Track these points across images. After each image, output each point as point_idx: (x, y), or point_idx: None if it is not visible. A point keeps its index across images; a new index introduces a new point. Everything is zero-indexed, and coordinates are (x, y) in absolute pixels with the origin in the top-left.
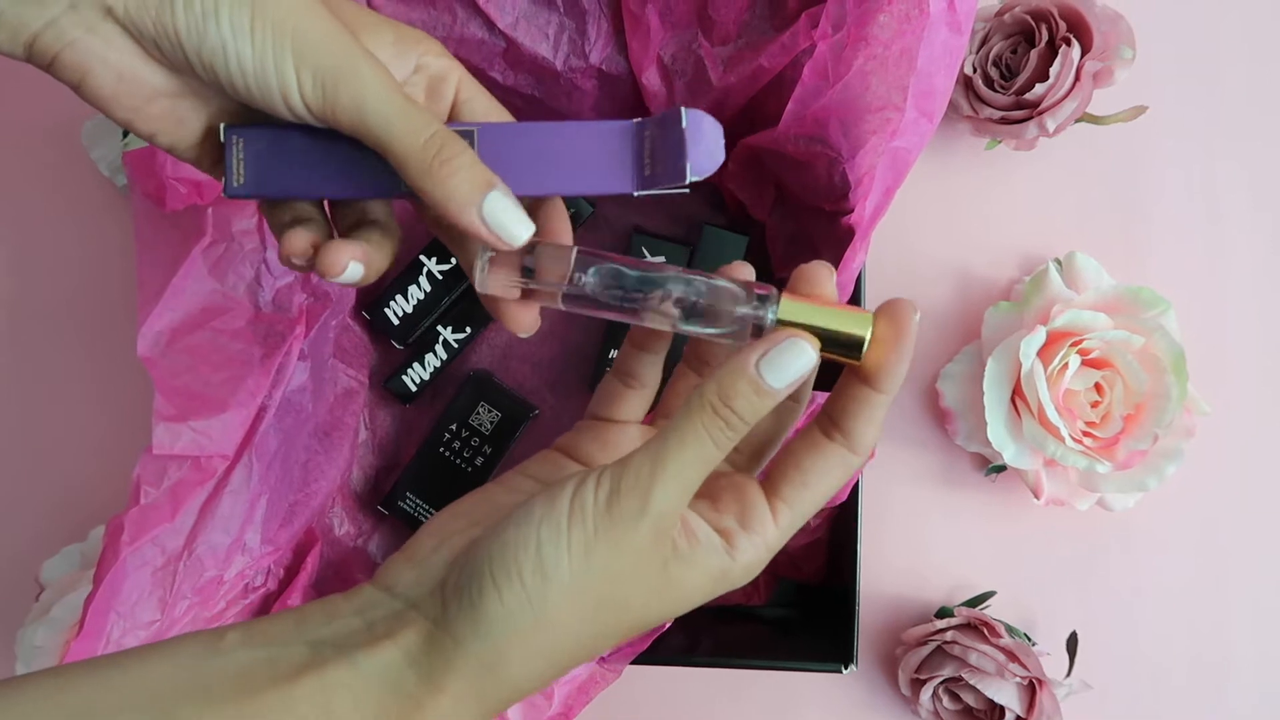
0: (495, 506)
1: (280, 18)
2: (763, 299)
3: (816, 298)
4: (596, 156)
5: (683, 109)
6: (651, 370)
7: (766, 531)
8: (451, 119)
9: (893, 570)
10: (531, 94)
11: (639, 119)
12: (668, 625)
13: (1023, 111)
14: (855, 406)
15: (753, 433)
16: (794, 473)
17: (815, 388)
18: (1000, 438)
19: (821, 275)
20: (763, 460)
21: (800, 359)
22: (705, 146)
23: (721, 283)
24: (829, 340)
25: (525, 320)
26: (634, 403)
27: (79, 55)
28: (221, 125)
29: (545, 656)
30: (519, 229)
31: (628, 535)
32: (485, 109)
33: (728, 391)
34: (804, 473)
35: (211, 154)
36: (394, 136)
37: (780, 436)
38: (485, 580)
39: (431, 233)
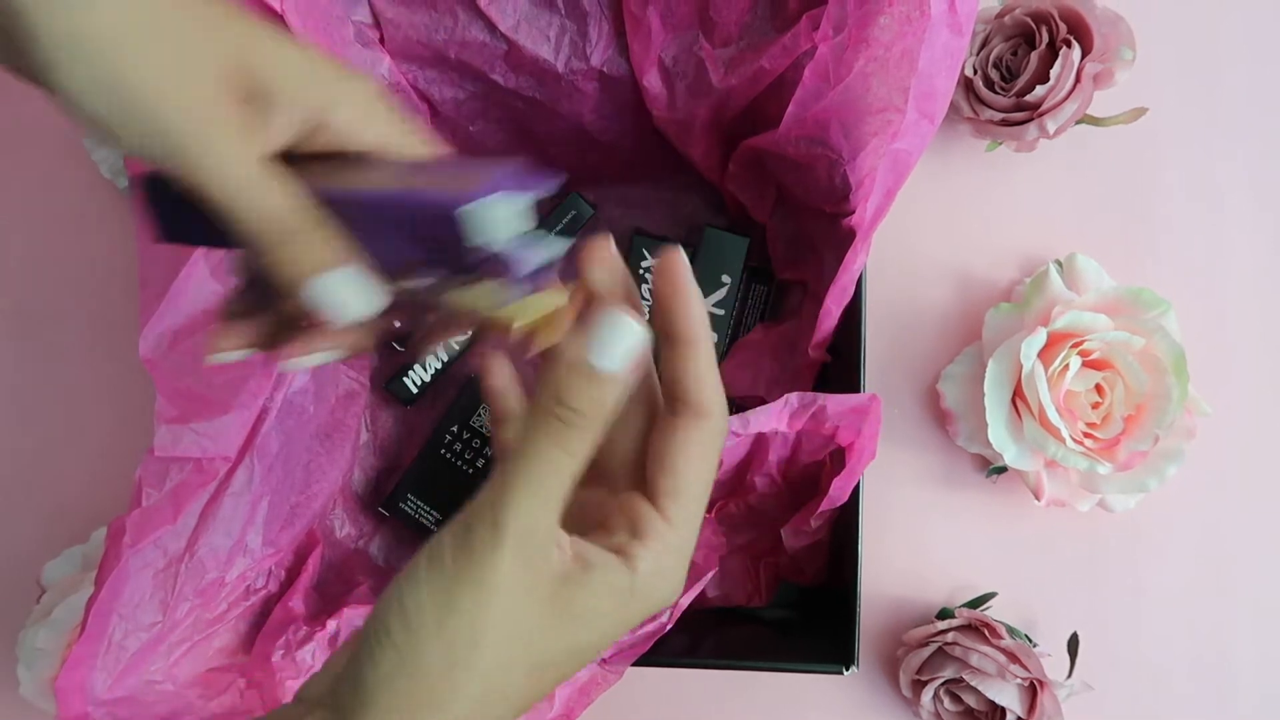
0: None
1: (131, 81)
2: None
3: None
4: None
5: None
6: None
7: (659, 532)
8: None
9: (894, 571)
10: (533, 96)
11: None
12: (667, 626)
13: (1023, 113)
14: (673, 370)
15: (626, 448)
16: (658, 463)
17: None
18: (1001, 439)
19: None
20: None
21: (626, 332)
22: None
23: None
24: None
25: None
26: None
27: None
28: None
29: (447, 713)
30: (360, 302)
31: (487, 567)
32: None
33: (563, 390)
34: (667, 458)
35: None
36: (232, 214)
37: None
38: (362, 651)
39: None
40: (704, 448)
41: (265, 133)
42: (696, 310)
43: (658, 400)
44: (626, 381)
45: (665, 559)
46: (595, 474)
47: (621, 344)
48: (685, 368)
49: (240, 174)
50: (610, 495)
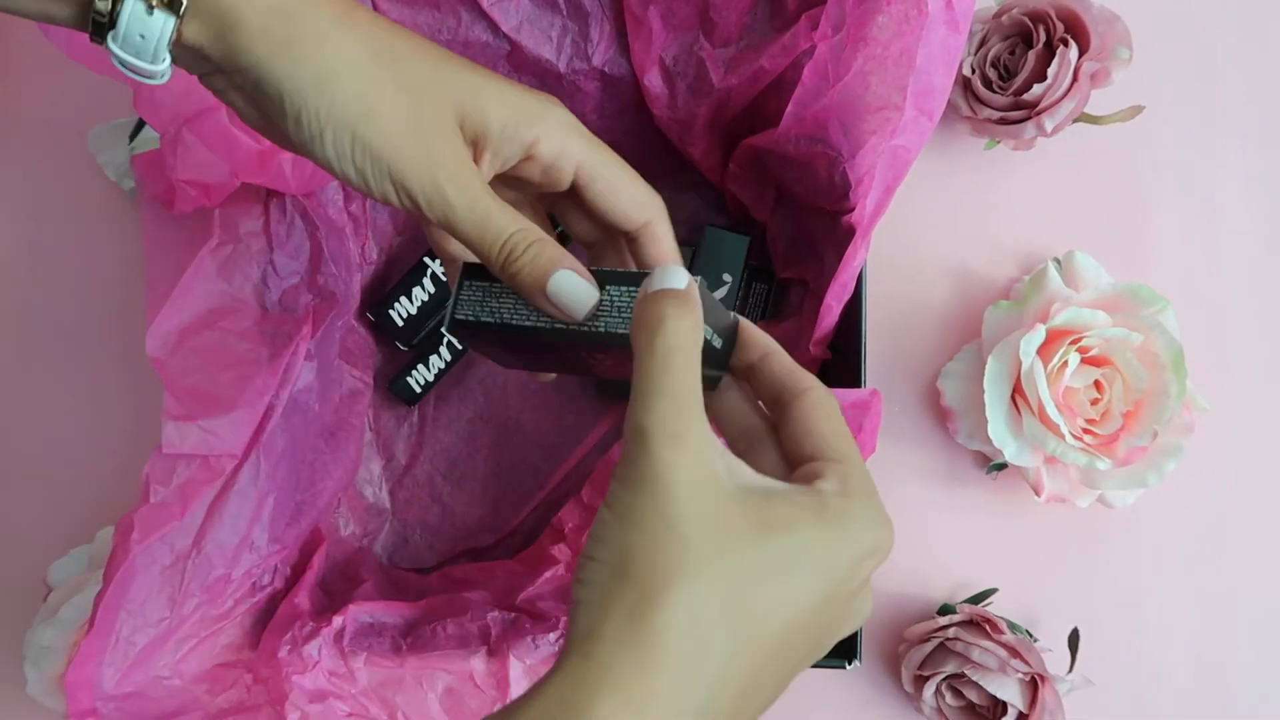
0: None
1: (378, 146)
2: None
3: None
4: None
5: None
6: None
7: (832, 471)
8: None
9: (895, 568)
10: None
11: None
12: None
13: (1021, 112)
14: (769, 376)
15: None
16: (806, 438)
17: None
18: (1001, 435)
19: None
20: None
21: (672, 268)
22: None
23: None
24: None
25: None
26: None
27: (230, 100)
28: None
29: (668, 596)
30: (586, 296)
31: (646, 463)
32: (607, 188)
33: (647, 319)
34: (811, 430)
35: None
36: (475, 243)
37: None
38: (575, 586)
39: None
40: (824, 409)
41: (487, 167)
42: (753, 331)
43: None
44: (691, 298)
45: (850, 489)
46: None
47: (674, 272)
48: (774, 368)
49: (478, 214)
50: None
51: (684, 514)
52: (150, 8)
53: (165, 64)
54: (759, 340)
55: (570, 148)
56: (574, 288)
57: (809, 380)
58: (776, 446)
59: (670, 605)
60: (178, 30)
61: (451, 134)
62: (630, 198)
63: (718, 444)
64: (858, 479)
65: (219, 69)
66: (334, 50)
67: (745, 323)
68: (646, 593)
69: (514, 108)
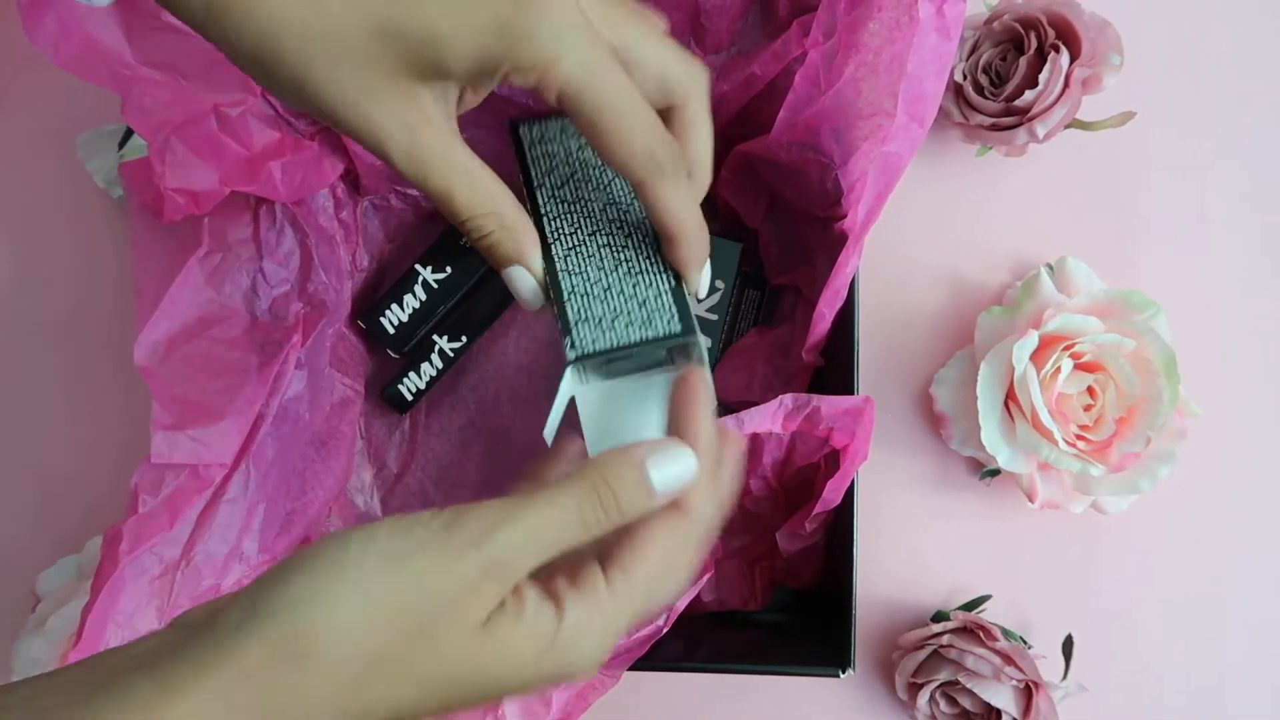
0: None
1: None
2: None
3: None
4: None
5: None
6: None
7: (596, 591)
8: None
9: (889, 575)
10: (526, 102)
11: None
12: (663, 630)
13: (1013, 118)
14: None
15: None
16: (625, 538)
17: None
18: (994, 442)
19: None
20: None
21: (683, 467)
22: None
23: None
24: None
25: None
26: None
27: None
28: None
29: (322, 673)
30: (527, 302)
31: (455, 560)
32: (605, 131)
33: (614, 473)
34: (635, 538)
35: None
36: (454, 214)
37: None
38: (272, 573)
39: None
40: (676, 543)
41: (448, 110)
42: (706, 427)
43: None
44: (656, 505)
45: (591, 621)
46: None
47: (675, 473)
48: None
49: (437, 182)
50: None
51: (416, 611)
52: None
53: None
54: (699, 441)
55: (552, 78)
56: (523, 285)
57: (695, 506)
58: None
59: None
60: None
61: (404, 79)
62: (630, 146)
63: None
64: (609, 618)
65: None
66: None
67: (701, 417)
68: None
69: (478, 38)
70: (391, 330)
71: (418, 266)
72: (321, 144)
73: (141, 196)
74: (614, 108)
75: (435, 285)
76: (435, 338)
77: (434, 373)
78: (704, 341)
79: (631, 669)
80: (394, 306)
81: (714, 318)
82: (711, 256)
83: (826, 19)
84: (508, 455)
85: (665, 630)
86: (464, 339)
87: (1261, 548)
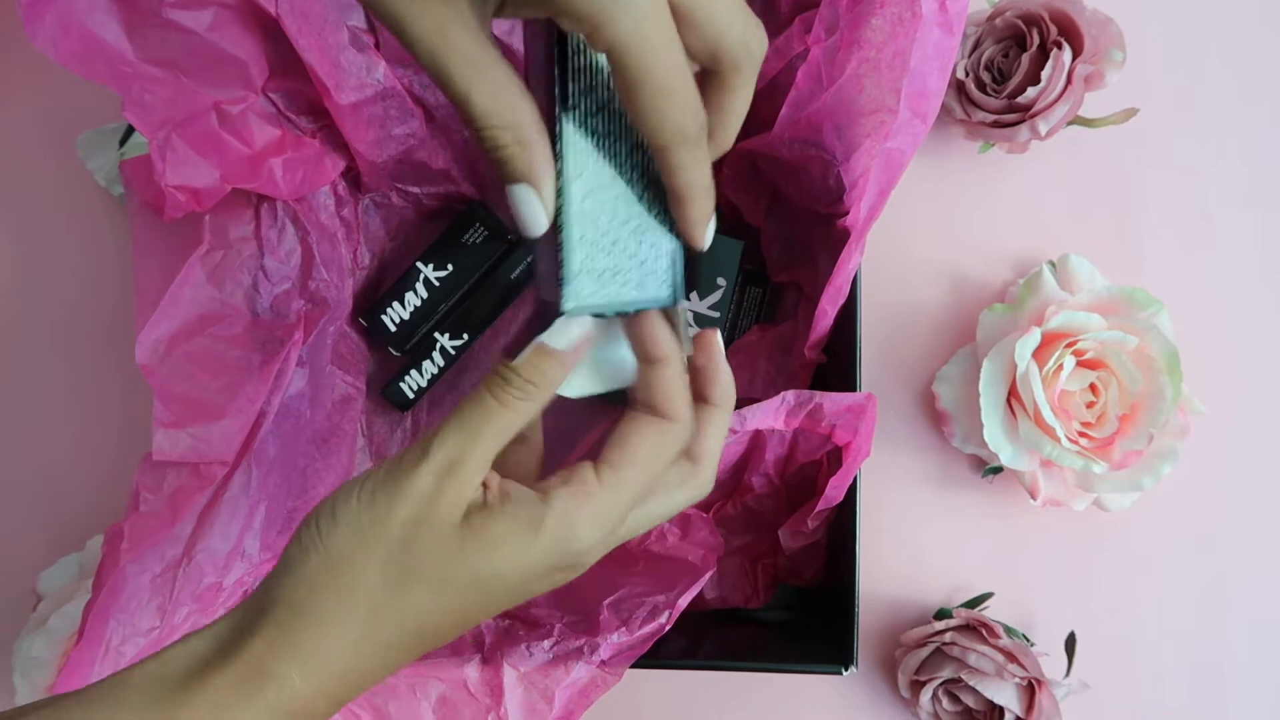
0: None
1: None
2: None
3: None
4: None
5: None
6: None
7: (586, 483)
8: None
9: (891, 572)
10: None
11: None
12: (665, 628)
13: (1015, 115)
14: (648, 385)
15: None
16: (612, 439)
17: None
18: (996, 439)
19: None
20: None
21: (576, 321)
22: None
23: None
24: None
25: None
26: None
27: None
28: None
29: (347, 600)
30: (526, 226)
31: (408, 478)
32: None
33: (517, 361)
34: (621, 438)
35: None
36: (470, 119)
37: None
38: (291, 544)
39: None
40: (657, 443)
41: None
42: (725, 380)
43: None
44: (564, 360)
45: (582, 508)
46: None
47: (572, 329)
48: (655, 379)
49: (460, 85)
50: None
51: (403, 536)
52: None
53: None
54: (659, 340)
55: (603, 36)
56: (527, 208)
57: (677, 413)
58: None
59: (354, 606)
60: None
61: None
62: (661, 119)
63: (478, 485)
64: (601, 504)
65: None
66: None
67: (720, 371)
68: (338, 587)
69: None
70: (393, 328)
71: (419, 264)
72: (322, 141)
73: (142, 194)
74: (658, 84)
75: (436, 283)
76: (437, 335)
77: (435, 370)
78: (684, 306)
79: (634, 666)
80: (395, 304)
81: (716, 315)
82: (714, 254)
83: (829, 15)
84: (508, 451)
85: (668, 628)
86: (465, 337)
87: (1264, 545)
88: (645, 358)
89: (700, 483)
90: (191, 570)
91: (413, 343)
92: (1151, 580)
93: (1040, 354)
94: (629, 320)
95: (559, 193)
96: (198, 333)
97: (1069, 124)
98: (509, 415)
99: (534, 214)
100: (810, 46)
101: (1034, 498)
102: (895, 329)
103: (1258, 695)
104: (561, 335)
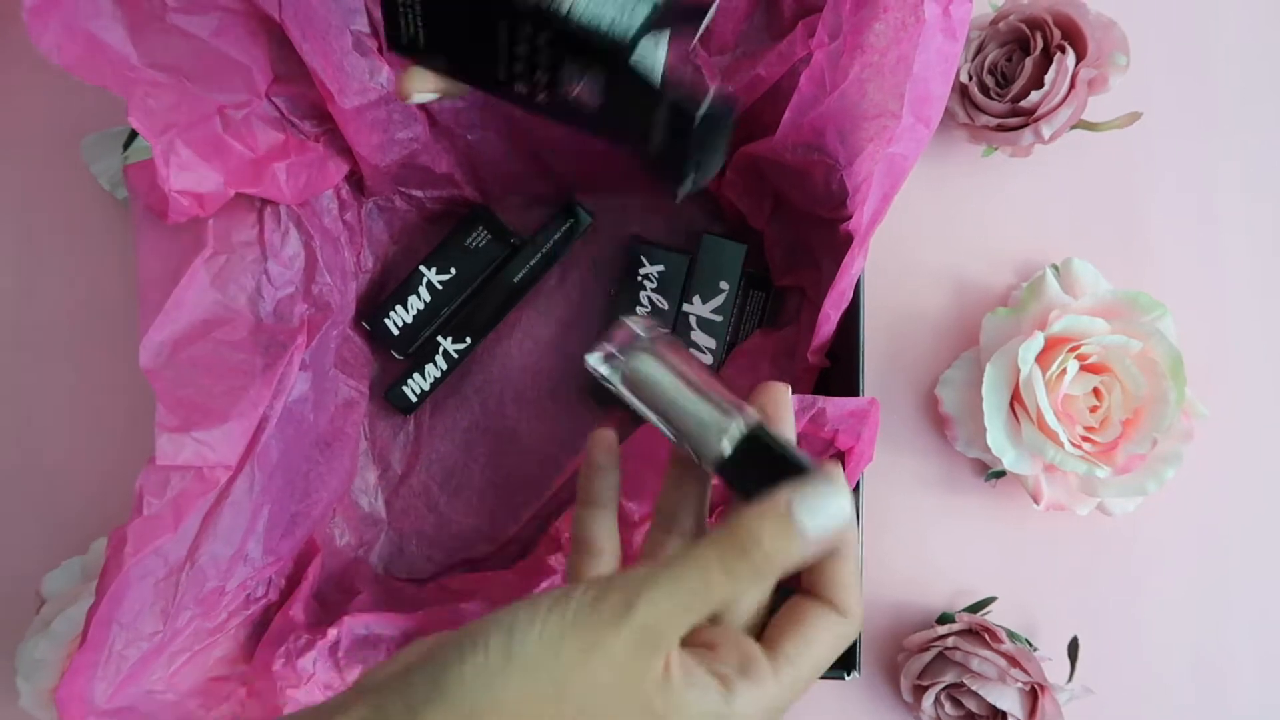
0: None
1: None
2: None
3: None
4: None
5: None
6: (608, 533)
7: (765, 680)
8: None
9: (894, 577)
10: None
11: None
12: None
13: (1018, 119)
14: (826, 571)
15: (750, 607)
16: (789, 629)
17: None
18: (999, 443)
19: (783, 398)
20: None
21: (834, 505)
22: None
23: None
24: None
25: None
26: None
27: None
28: None
29: None
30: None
31: (604, 636)
32: None
33: (754, 527)
34: (800, 630)
35: None
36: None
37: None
38: (450, 651)
39: None
40: (833, 640)
41: None
42: (849, 528)
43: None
44: (811, 551)
45: (761, 705)
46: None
47: (830, 516)
48: (840, 572)
49: None
50: (722, 630)
51: (582, 700)
52: None
53: None
54: (848, 539)
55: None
56: (822, 511)
57: (854, 610)
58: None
59: None
60: None
61: None
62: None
63: (672, 652)
64: (777, 705)
65: None
66: None
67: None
68: None
69: None
70: (396, 332)
71: (422, 268)
72: (326, 146)
73: (146, 199)
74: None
75: (439, 287)
76: (439, 339)
77: (438, 374)
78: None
79: None
80: (398, 308)
81: (719, 319)
82: (717, 258)
83: (832, 20)
84: (512, 456)
85: None
86: (468, 340)
87: (1268, 549)
88: (828, 551)
89: (853, 633)
90: (194, 574)
91: (416, 346)
92: (1155, 585)
93: (1043, 358)
94: (811, 504)
95: None
96: (201, 337)
97: (1072, 128)
98: (730, 591)
99: None
100: (813, 51)
101: (1037, 502)
102: (898, 333)
103: (1261, 700)
104: (818, 515)
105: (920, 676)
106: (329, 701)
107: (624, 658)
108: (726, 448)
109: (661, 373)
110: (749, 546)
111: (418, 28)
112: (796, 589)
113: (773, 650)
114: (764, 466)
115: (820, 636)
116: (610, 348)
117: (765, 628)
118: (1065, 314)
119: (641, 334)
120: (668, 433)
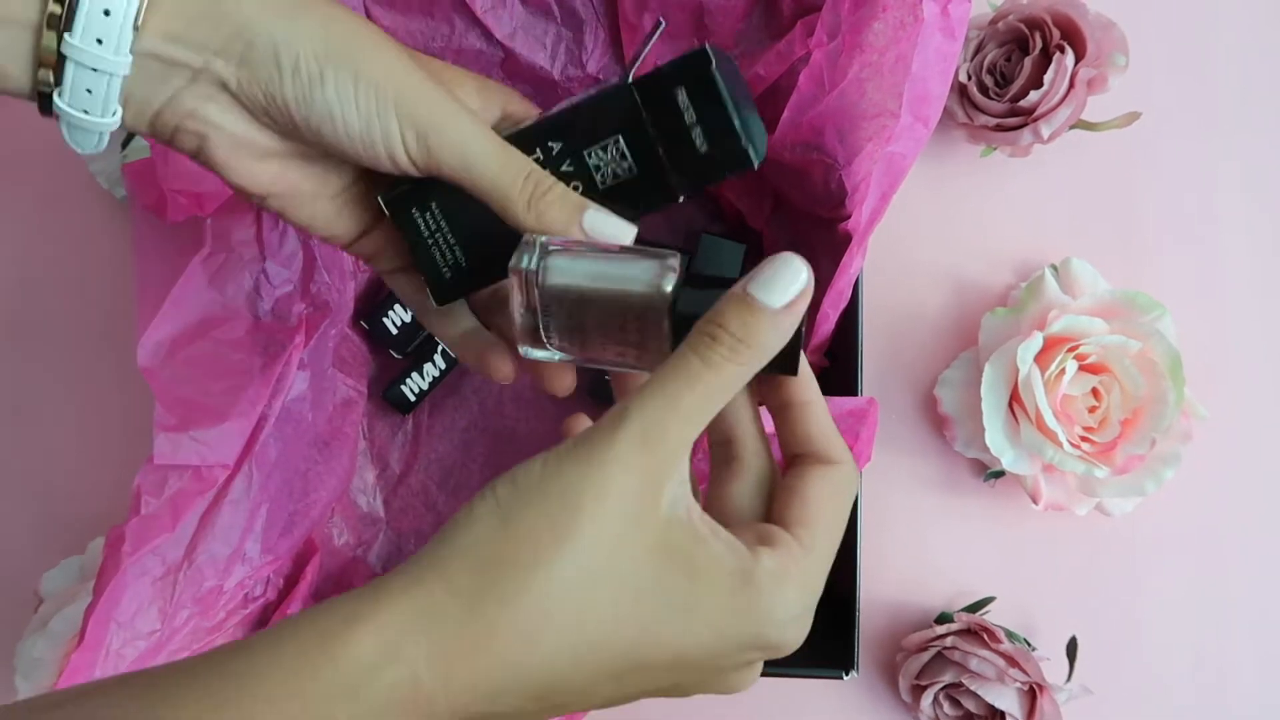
0: None
1: (381, 80)
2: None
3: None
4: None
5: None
6: None
7: (788, 546)
8: None
9: (893, 576)
10: None
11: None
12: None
13: (1017, 119)
14: (797, 428)
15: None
16: (790, 499)
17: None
18: (998, 443)
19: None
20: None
21: (788, 270)
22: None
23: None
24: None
25: (565, 379)
26: None
27: (197, 124)
28: (380, 198)
29: (514, 584)
30: (621, 231)
31: (601, 444)
32: None
33: (720, 314)
34: (799, 494)
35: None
36: (496, 180)
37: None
38: (461, 513)
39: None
40: (836, 491)
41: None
42: (805, 371)
43: (770, 460)
44: (782, 324)
45: (789, 572)
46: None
47: (786, 282)
48: (809, 423)
49: (496, 144)
50: (732, 517)
51: (595, 513)
52: None
53: (126, 60)
54: (806, 383)
55: (530, 113)
56: (610, 221)
57: (840, 454)
58: (750, 477)
59: (526, 589)
60: (144, 9)
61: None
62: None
63: (682, 472)
64: (807, 570)
65: (193, 63)
66: (328, 3)
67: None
68: (514, 562)
69: (479, 80)
70: (394, 331)
71: None
72: None
73: (144, 197)
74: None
75: None
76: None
77: (437, 373)
78: None
79: None
80: (397, 307)
81: None
82: (716, 257)
83: (831, 19)
84: (511, 456)
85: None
86: None
87: (1267, 550)
88: (791, 404)
89: (853, 477)
90: (192, 573)
91: (414, 345)
92: (1154, 585)
93: (1042, 358)
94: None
95: None
96: (199, 336)
97: (1071, 128)
98: (715, 380)
99: (619, 223)
100: (812, 50)
101: (1036, 502)
102: (897, 333)
103: (1261, 700)
104: (774, 288)
105: (919, 676)
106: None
107: (628, 459)
108: (669, 285)
109: (577, 261)
110: (718, 333)
111: (457, 259)
112: (783, 470)
113: (785, 521)
114: (716, 288)
115: (822, 492)
116: (520, 265)
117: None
118: (1064, 314)
119: (542, 240)
120: (615, 355)
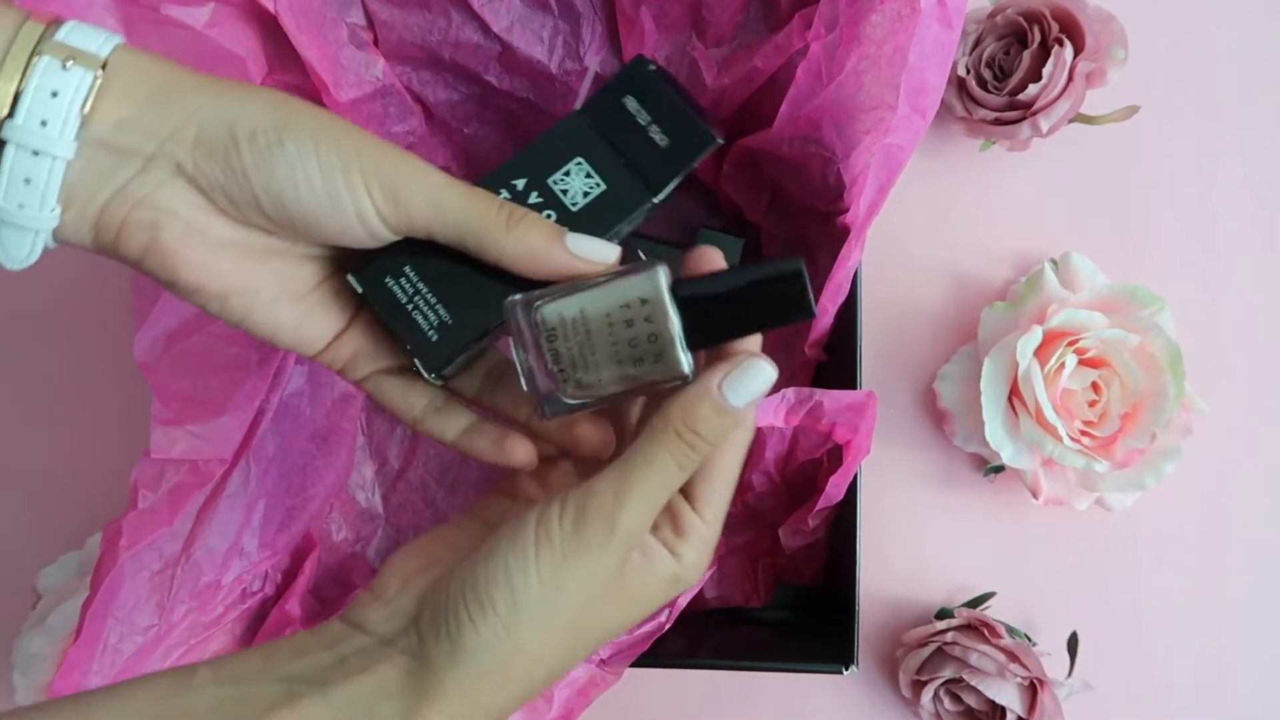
0: (449, 546)
1: (341, 139)
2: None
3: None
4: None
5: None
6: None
7: (697, 529)
8: None
9: (892, 572)
10: (527, 98)
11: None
12: (665, 626)
13: (1016, 112)
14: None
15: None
16: (700, 471)
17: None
18: (998, 438)
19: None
20: None
21: (760, 377)
22: None
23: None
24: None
25: (600, 436)
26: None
27: (148, 212)
28: (350, 276)
29: (521, 681)
30: (605, 250)
31: (597, 560)
32: None
33: (692, 416)
34: (711, 468)
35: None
36: (469, 214)
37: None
38: (461, 614)
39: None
40: (732, 449)
41: None
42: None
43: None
44: (743, 420)
45: (702, 551)
46: None
47: (753, 386)
48: (679, 394)
49: (463, 186)
50: None
51: (579, 612)
52: (64, 65)
53: (71, 145)
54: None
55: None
56: (593, 241)
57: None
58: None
59: (526, 682)
60: (94, 94)
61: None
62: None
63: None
64: (713, 533)
65: (144, 149)
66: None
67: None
68: (527, 678)
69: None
70: None
71: None
72: None
73: None
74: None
75: None
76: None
77: None
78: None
79: (633, 666)
80: None
81: None
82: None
83: (828, 11)
84: None
85: (668, 626)
86: None
87: (1267, 544)
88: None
89: (745, 438)
90: (190, 568)
91: None
92: (1154, 579)
93: (1042, 352)
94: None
95: None
96: (197, 330)
97: (1070, 121)
98: (683, 479)
99: (601, 244)
100: (810, 43)
101: (1036, 497)
102: (896, 327)
103: (1262, 695)
104: (744, 391)
105: (919, 672)
106: (339, 648)
107: (614, 569)
108: (663, 276)
109: (564, 300)
110: (694, 442)
111: (441, 318)
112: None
113: (690, 495)
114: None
115: (727, 461)
116: (514, 324)
117: None
118: (1063, 308)
119: (520, 297)
120: (617, 381)
